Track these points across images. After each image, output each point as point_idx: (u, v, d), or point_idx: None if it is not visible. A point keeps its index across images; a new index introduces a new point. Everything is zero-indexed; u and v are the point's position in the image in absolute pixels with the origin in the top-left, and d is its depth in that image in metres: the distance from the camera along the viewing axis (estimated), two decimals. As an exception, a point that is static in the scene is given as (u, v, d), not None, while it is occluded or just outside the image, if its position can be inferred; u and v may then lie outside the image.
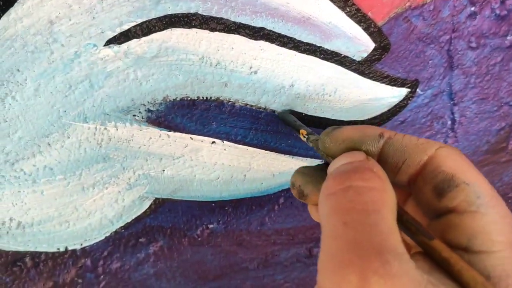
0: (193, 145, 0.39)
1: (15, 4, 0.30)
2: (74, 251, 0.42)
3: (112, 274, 0.44)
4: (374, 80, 0.40)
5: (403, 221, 0.24)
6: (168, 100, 0.37)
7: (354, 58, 0.38)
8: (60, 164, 0.37)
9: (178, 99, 0.37)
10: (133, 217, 0.42)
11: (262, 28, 0.35)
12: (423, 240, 0.23)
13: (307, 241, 0.48)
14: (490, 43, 0.39)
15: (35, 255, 0.41)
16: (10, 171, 0.36)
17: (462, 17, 0.38)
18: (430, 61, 0.40)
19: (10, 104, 0.33)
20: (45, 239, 0.40)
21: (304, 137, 0.34)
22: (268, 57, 0.37)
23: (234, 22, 0.35)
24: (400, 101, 0.41)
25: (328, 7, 0.35)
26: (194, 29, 0.34)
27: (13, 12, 0.31)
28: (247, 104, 0.38)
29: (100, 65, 0.34)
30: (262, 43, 0.36)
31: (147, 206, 0.41)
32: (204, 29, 0.34)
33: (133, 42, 0.34)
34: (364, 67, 0.39)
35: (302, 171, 0.31)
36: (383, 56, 0.39)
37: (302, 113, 0.40)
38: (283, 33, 0.36)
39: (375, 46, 0.38)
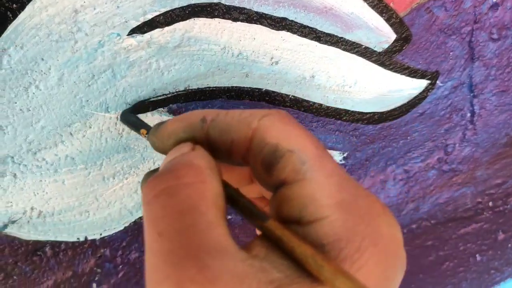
0: (213, 136, 0.39)
1: (41, -8, 0.31)
2: (93, 241, 0.42)
3: (131, 264, 0.44)
4: (394, 71, 0.40)
5: (239, 206, 0.23)
6: (189, 90, 0.37)
7: (375, 49, 0.38)
8: (81, 153, 0.37)
9: (199, 89, 0.37)
10: (152, 208, 0.42)
11: (284, 19, 0.35)
12: (258, 222, 0.21)
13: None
14: (512, 35, 0.39)
15: (55, 245, 0.41)
16: (32, 160, 0.36)
17: (484, 8, 0.38)
18: (451, 53, 0.39)
19: (33, 93, 0.34)
20: (65, 229, 0.41)
21: (145, 136, 0.31)
22: (289, 48, 0.37)
23: (256, 12, 0.35)
24: (420, 93, 0.41)
25: (350, -3, 0.35)
26: (216, 19, 0.34)
27: (38, 1, 0.31)
28: (267, 95, 0.38)
29: (123, 55, 0.34)
30: (283, 34, 0.36)
31: (166, 197, 0.42)
32: (227, 19, 0.34)
33: (156, 32, 0.34)
34: (385, 58, 0.39)
35: (146, 178, 0.29)
36: (404, 48, 0.39)
37: (322, 104, 0.40)
38: (304, 24, 0.36)
39: (396, 37, 0.38)
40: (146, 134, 0.31)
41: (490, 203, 0.49)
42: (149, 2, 0.32)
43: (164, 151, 0.27)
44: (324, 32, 0.37)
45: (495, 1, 0.38)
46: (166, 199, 0.21)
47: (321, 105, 0.40)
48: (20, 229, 0.39)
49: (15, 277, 0.42)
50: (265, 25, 0.35)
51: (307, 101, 0.39)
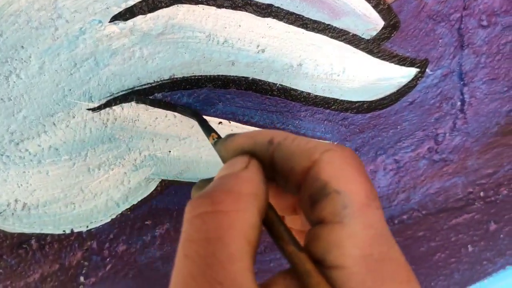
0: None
1: (19, -22, 0.30)
2: (80, 233, 0.42)
3: (118, 257, 0.44)
4: (383, 59, 0.39)
5: (277, 230, 0.23)
6: (174, 79, 0.36)
7: (363, 36, 0.38)
8: (65, 144, 0.37)
9: (184, 78, 0.36)
10: (139, 199, 0.41)
11: (270, 5, 0.35)
12: (291, 250, 0.22)
13: (314, 224, 0.47)
14: (502, 22, 0.39)
15: (40, 237, 0.41)
16: (15, 151, 0.36)
17: (473, -6, 0.38)
18: (440, 40, 0.39)
19: (14, 82, 0.33)
20: (50, 221, 0.40)
21: (213, 140, 0.32)
22: (275, 35, 0.36)
23: (242, -1, 0.34)
24: (409, 81, 0.41)
25: (337, -17, 0.35)
26: (200, 5, 0.34)
27: (17, -13, 0.30)
28: (254, 84, 0.38)
29: (105, 42, 0.33)
30: (269, 21, 0.35)
31: (153, 188, 0.41)
32: (211, 5, 0.34)
33: (139, 19, 0.33)
34: (373, 46, 0.38)
35: (199, 185, 0.30)
36: (392, 35, 0.38)
37: (310, 93, 0.39)
38: (291, 10, 0.35)
39: (384, 24, 0.37)
40: (213, 140, 0.31)
41: (482, 193, 0.49)
42: (131, -12, 0.32)
43: (226, 162, 0.28)
44: (311, 19, 0.36)
45: (484, -13, 0.38)
46: (200, 224, 0.21)
47: (309, 94, 0.39)
48: (5, 222, 0.39)
49: (0, 270, 0.41)
50: (250, 12, 0.35)
51: (295, 90, 0.39)
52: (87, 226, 0.41)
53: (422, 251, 0.50)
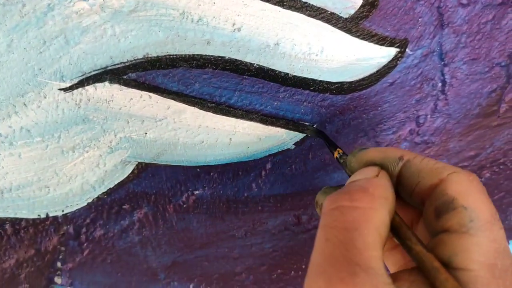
0: (176, 107, 0.38)
1: (-17, -49, 0.29)
2: (55, 218, 0.41)
3: (96, 242, 0.43)
4: (362, 39, 0.38)
5: (404, 234, 0.26)
6: (149, 58, 0.35)
7: (341, 15, 0.37)
8: (37, 125, 0.36)
9: (159, 57, 0.36)
10: (116, 183, 0.41)
11: (245, -18, 0.34)
12: (419, 249, 0.25)
13: (295, 208, 0.47)
14: (481, 0, 0.38)
15: (15, 222, 0.40)
16: (-15, 132, 0.35)
17: (452, -28, 0.37)
18: (419, 19, 0.38)
19: (-18, 60, 0.32)
20: (25, 205, 0.39)
21: (339, 154, 0.36)
22: (251, 13, 0.35)
23: (216, -25, 0.33)
24: (389, 62, 0.40)
25: (313, -41, 0.34)
26: (173, -18, 0.33)
27: (-19, -39, 0.29)
28: (231, 63, 0.37)
29: (75, 19, 0.32)
30: (245, -2, 0.35)
31: (129, 171, 0.40)
32: (184, -19, 0.33)
33: (110, -5, 0.32)
34: (352, 25, 0.38)
35: (325, 191, 0.34)
36: (371, 13, 0.37)
37: (288, 73, 0.39)
38: (267, -12, 0.35)
39: (362, 2, 0.37)
40: (338, 154, 0.36)
41: (464, 176, 0.48)
42: (100, -38, 0.31)
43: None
44: (288, -3, 0.35)
45: (464, -35, 0.37)
46: (338, 214, 0.26)
47: (287, 74, 0.39)
48: (-22, 206, 0.38)
49: (-26, 256, 0.40)
50: (225, -11, 0.34)
51: (273, 70, 0.38)
52: (63, 210, 0.41)
53: (405, 235, 0.50)
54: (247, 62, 0.37)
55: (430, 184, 0.27)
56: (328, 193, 0.33)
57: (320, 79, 0.40)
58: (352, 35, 0.38)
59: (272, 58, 0.38)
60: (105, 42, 0.34)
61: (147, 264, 0.45)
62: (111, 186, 0.41)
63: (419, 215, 0.32)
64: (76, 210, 0.41)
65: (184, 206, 0.43)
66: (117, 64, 0.35)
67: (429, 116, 0.44)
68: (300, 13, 0.36)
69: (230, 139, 0.40)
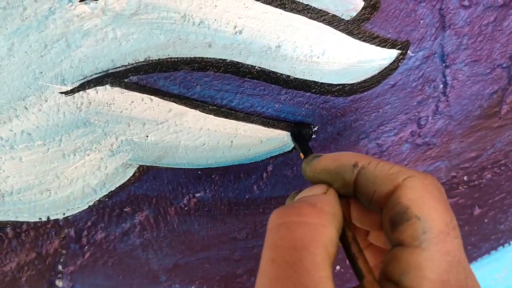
0: (178, 110, 0.38)
1: (-17, -45, 0.29)
2: (56, 221, 0.41)
3: (97, 245, 0.43)
4: (363, 41, 0.38)
5: (349, 253, 0.26)
6: (150, 61, 0.35)
7: (342, 17, 0.37)
8: (38, 129, 0.36)
9: (160, 60, 0.36)
10: (117, 185, 0.40)
11: (247, -15, 0.34)
12: (357, 275, 0.25)
13: (297, 210, 0.47)
14: (483, 2, 0.38)
15: (16, 225, 0.40)
16: (-14, 136, 0.35)
17: (454, -26, 0.37)
18: (421, 21, 0.38)
19: (-18, 64, 0.32)
20: (26, 209, 0.39)
21: (302, 160, 0.35)
22: (253, 16, 0.35)
23: (217, -22, 0.33)
24: (391, 64, 0.40)
25: (315, -39, 0.34)
26: (174, -15, 0.33)
27: (-18, -36, 0.29)
28: (232, 66, 0.37)
29: (76, 23, 0.32)
30: (246, 1, 0.35)
31: (131, 174, 0.40)
32: (186, -16, 0.33)
33: (111, -2, 0.32)
34: (353, 27, 0.38)
35: (293, 196, 0.33)
36: (372, 15, 0.37)
37: (289, 75, 0.38)
38: (268, -10, 0.35)
39: (364, 5, 0.37)
40: (304, 158, 0.35)
41: (465, 177, 0.48)
42: (102, -34, 0.31)
43: (311, 180, 0.31)
44: (289, -1, 0.35)
45: (465, -33, 0.37)
46: (285, 231, 0.24)
47: (288, 76, 0.39)
48: (-22, 210, 0.38)
49: (-25, 259, 0.40)
50: (226, -8, 0.34)
51: (274, 73, 0.38)
52: (64, 214, 0.40)
53: (406, 236, 0.50)
54: (248, 65, 0.37)
55: (386, 192, 0.26)
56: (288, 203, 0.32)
57: (321, 81, 0.39)
58: (353, 37, 0.38)
59: (274, 60, 0.37)
60: (107, 45, 0.34)
61: (148, 267, 0.45)
62: (113, 189, 0.40)
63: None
64: (77, 213, 0.41)
65: (186, 208, 0.43)
66: (119, 67, 0.35)
67: (430, 118, 0.44)
68: (302, 15, 0.36)
69: (232, 141, 0.40)
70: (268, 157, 0.43)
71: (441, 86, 0.42)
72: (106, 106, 0.36)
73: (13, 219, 0.39)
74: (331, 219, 0.25)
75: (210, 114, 0.39)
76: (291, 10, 0.36)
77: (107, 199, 0.41)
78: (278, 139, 0.41)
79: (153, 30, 0.34)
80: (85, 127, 0.37)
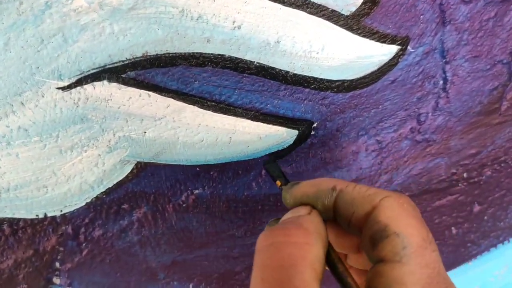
0: (176, 105, 0.37)
1: None
2: (53, 218, 0.40)
3: (95, 242, 0.43)
4: (363, 36, 0.38)
5: (336, 272, 0.28)
6: (148, 57, 0.35)
7: (342, 12, 0.37)
8: (35, 125, 0.35)
9: (158, 55, 0.35)
10: (115, 182, 0.40)
11: (245, -21, 0.34)
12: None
13: (296, 207, 0.46)
14: (484, -3, 0.38)
15: (13, 222, 0.40)
16: (-18, 132, 0.35)
17: (454, -31, 0.37)
18: (421, 16, 0.38)
19: (-22, 59, 0.32)
20: (22, 205, 0.39)
21: (280, 188, 0.36)
22: (252, 11, 0.35)
23: (215, -28, 0.33)
24: (390, 59, 0.40)
25: (314, -45, 0.34)
26: (172, -21, 0.32)
27: (-23, -42, 0.29)
28: (231, 62, 0.37)
29: (73, 17, 0.32)
30: (245, -5, 0.34)
31: (128, 171, 0.40)
32: (184, -21, 0.33)
33: (108, -7, 0.32)
34: (353, 22, 0.37)
35: (271, 223, 0.34)
36: (372, 11, 0.37)
37: (288, 71, 0.38)
38: (267, -15, 0.34)
39: (363, 0, 0.36)
40: (281, 186, 0.36)
41: (465, 174, 0.48)
42: (99, -41, 0.30)
43: (292, 207, 0.32)
44: (288, -6, 0.35)
45: (466, -38, 0.37)
46: (274, 251, 0.25)
47: (287, 72, 0.38)
48: (-25, 206, 0.38)
49: (-28, 256, 0.40)
50: (225, -14, 0.33)
51: (273, 68, 0.38)
52: (61, 210, 0.40)
53: (406, 233, 0.50)
54: (247, 60, 0.37)
55: (365, 213, 0.28)
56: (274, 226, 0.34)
57: (320, 77, 0.39)
58: (353, 32, 0.38)
59: (273, 56, 0.37)
60: (104, 40, 0.33)
61: (146, 264, 0.45)
62: (110, 186, 0.40)
63: (359, 244, 0.32)
64: (75, 210, 0.40)
65: (184, 205, 0.43)
66: (116, 62, 0.35)
67: (430, 114, 0.43)
68: (301, 10, 0.36)
69: (230, 138, 0.40)
70: (267, 153, 0.42)
71: (441, 82, 0.42)
72: (103, 102, 0.36)
73: (10, 216, 0.39)
74: (316, 238, 0.26)
75: (209, 110, 0.38)
76: (290, 5, 0.35)
77: (104, 196, 0.41)
78: (277, 136, 0.41)
79: (151, 25, 0.34)
80: (82, 123, 0.36)
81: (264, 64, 0.38)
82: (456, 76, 0.42)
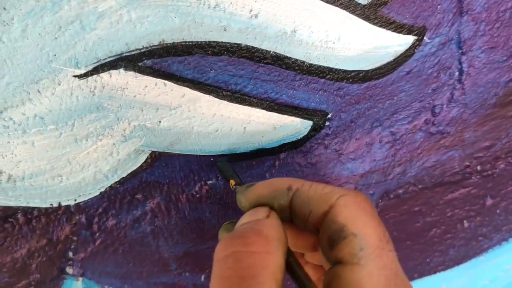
0: (191, 95, 0.37)
1: None
2: (68, 207, 0.40)
3: (108, 232, 0.43)
4: (379, 26, 0.38)
5: (295, 275, 0.27)
6: (164, 45, 0.35)
7: (359, 1, 0.36)
8: (51, 113, 0.35)
9: (174, 43, 0.35)
10: (129, 172, 0.40)
11: (263, -33, 0.33)
12: None
13: (309, 198, 0.46)
14: (502, -13, 0.38)
15: (27, 211, 0.39)
16: (-2, 120, 0.34)
17: (473, -42, 0.36)
18: (438, 6, 0.38)
19: (-4, 46, 0.32)
20: (37, 194, 0.39)
21: (233, 187, 0.35)
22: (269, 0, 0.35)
23: (234, -40, 0.33)
24: (407, 50, 0.40)
25: None
26: (191, -34, 0.32)
27: None
28: (247, 51, 0.37)
29: (91, 5, 0.32)
30: (263, -17, 0.34)
31: (143, 160, 0.40)
32: (202, -34, 0.32)
33: (126, -21, 0.32)
34: (370, 12, 0.37)
35: (226, 227, 0.33)
36: (389, 0, 0.37)
37: (304, 61, 0.38)
38: (285, -27, 0.34)
39: (381, -11, 0.36)
40: (234, 185, 0.35)
41: (479, 167, 0.48)
42: None
43: (247, 210, 0.31)
44: (306, -17, 0.35)
45: (484, -49, 0.36)
46: (233, 262, 0.24)
47: (303, 62, 0.38)
48: (-10, 195, 0.38)
49: (-14, 245, 0.40)
50: (243, -26, 0.33)
51: (289, 58, 0.38)
52: (75, 200, 0.40)
53: (418, 226, 0.50)
54: (263, 50, 0.37)
55: (322, 212, 0.27)
56: (229, 230, 0.32)
57: (336, 67, 0.39)
58: (370, 22, 0.37)
59: (289, 45, 0.37)
60: (121, 28, 0.33)
61: (159, 255, 0.45)
62: (124, 175, 0.40)
63: (316, 242, 0.32)
64: (89, 199, 0.40)
65: (197, 196, 0.43)
66: (133, 50, 0.35)
67: (445, 106, 0.43)
68: (318, -1, 0.36)
69: (245, 128, 0.40)
70: (281, 144, 0.42)
71: (457, 73, 0.42)
72: (119, 91, 0.36)
73: (24, 204, 0.39)
74: (277, 245, 0.26)
75: (224, 100, 0.38)
76: (308, -7, 0.35)
77: (118, 186, 0.41)
78: (292, 126, 0.41)
79: (168, 13, 0.33)
80: (98, 112, 0.36)
81: (280, 54, 0.37)
82: (472, 68, 0.41)
